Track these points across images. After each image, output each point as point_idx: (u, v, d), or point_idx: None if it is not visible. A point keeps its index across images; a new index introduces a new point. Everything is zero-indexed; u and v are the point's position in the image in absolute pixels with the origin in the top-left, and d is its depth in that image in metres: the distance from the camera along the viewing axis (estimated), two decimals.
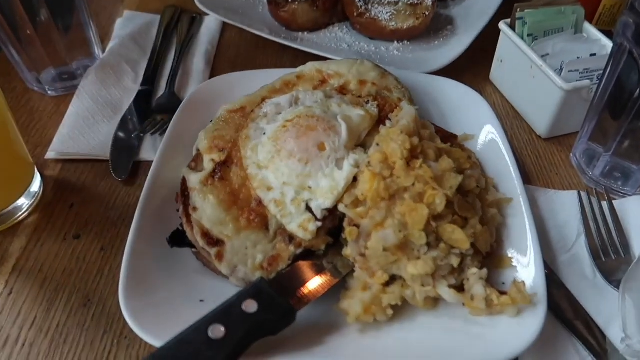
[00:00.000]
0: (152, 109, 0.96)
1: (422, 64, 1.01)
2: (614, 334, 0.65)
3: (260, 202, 0.69)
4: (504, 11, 0.95)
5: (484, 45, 1.08)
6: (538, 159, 0.89)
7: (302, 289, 0.63)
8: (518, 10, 0.91)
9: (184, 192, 0.71)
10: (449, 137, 0.84)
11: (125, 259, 0.66)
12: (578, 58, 0.86)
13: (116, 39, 1.10)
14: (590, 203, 0.78)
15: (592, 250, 0.74)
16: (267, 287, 0.60)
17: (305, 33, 1.12)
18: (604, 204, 0.78)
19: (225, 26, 1.18)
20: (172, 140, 0.82)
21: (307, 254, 0.67)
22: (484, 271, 0.64)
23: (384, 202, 0.65)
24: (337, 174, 0.69)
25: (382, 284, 0.65)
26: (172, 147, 0.81)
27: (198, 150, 0.77)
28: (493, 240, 0.70)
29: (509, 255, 0.69)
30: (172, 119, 0.84)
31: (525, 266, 0.67)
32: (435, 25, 1.12)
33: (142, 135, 0.91)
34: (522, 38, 0.91)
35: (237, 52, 1.12)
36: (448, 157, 0.70)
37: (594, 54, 0.87)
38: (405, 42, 1.09)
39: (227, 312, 0.57)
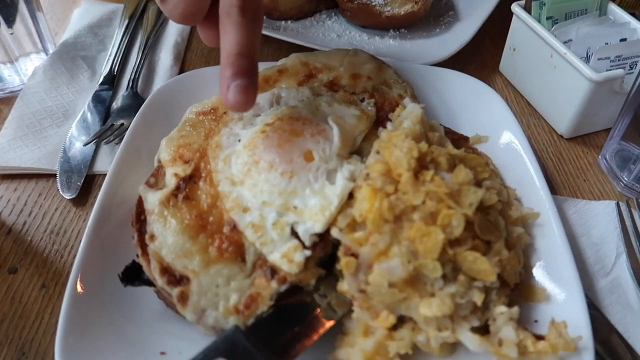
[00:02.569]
0: (110, 113, 0.82)
1: (423, 54, 0.88)
2: None
3: (234, 227, 0.56)
4: None
5: (492, 33, 0.96)
6: (561, 162, 0.77)
7: (288, 337, 0.51)
8: None
9: (140, 216, 0.57)
10: (459, 140, 0.71)
11: (65, 301, 0.53)
12: (606, 44, 0.74)
13: (71, 31, 0.96)
14: (631, 215, 0.66)
15: (636, 274, 0.61)
16: (242, 339, 0.47)
17: (289, 22, 0.98)
18: None
19: None
20: (130, 149, 0.68)
21: (294, 290, 0.54)
22: (515, 310, 0.51)
23: (388, 225, 0.52)
24: (329, 189, 0.56)
25: (388, 328, 0.52)
26: (131, 159, 0.67)
27: (159, 162, 0.64)
28: (521, 267, 0.57)
29: (542, 285, 0.57)
30: (131, 124, 0.71)
31: (561, 298, 0.55)
32: (436, 11, 0.99)
33: (97, 144, 0.77)
34: (540, 22, 0.78)
35: None
36: (464, 165, 0.57)
37: (624, 39, 0.75)
38: (402, 30, 0.96)
39: None
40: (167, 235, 0.55)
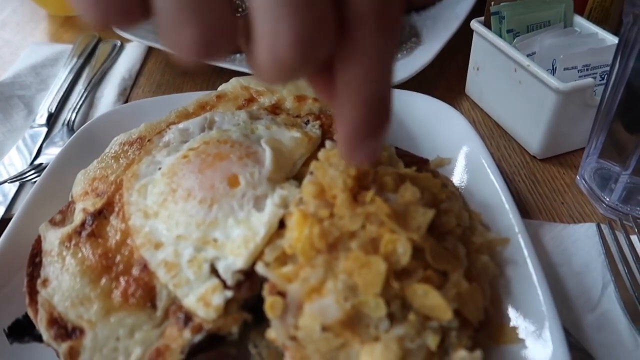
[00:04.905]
0: (40, 152, 0.75)
1: None
2: None
3: (145, 267, 0.47)
4: (479, 14, 0.78)
5: (458, 57, 0.91)
6: (535, 185, 0.69)
7: None
8: (492, 4, 0.73)
9: (34, 259, 0.49)
10: (418, 164, 0.63)
11: None
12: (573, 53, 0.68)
13: (11, 71, 0.91)
14: (615, 239, 0.57)
15: (627, 307, 0.52)
16: None
17: (244, 54, 0.93)
18: (634, 239, 0.57)
19: (150, 53, 0.99)
20: (46, 188, 0.61)
21: (214, 341, 0.45)
22: (477, 354, 0.42)
23: (321, 256, 0.44)
24: (256, 218, 0.48)
25: None
26: (45, 198, 0.60)
27: (71, 197, 0.56)
28: (488, 302, 0.48)
29: (513, 323, 0.47)
30: (51, 161, 0.63)
31: (537, 339, 0.45)
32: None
33: (18, 183, 0.69)
34: (501, 36, 0.73)
35: (161, 80, 0.92)
36: (413, 184, 0.49)
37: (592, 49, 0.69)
38: None
39: None
40: (63, 279, 0.46)
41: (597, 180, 0.65)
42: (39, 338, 0.46)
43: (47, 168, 0.62)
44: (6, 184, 0.69)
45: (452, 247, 0.49)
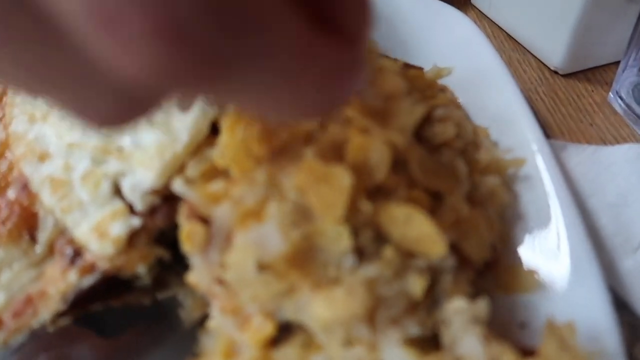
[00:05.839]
0: None
1: None
2: None
3: (25, 187, 0.34)
4: None
5: None
6: (557, 104, 0.55)
7: None
8: None
9: None
10: (408, 70, 0.50)
11: None
12: None
13: None
14: None
15: None
16: None
17: None
18: None
19: None
20: None
21: (115, 287, 0.33)
22: (481, 305, 0.29)
23: (263, 168, 0.30)
24: (177, 120, 0.35)
25: (263, 344, 0.30)
26: None
27: None
28: (495, 238, 0.35)
29: (530, 266, 0.35)
30: None
31: (564, 287, 0.33)
32: None
33: None
34: None
35: None
36: (399, 78, 0.36)
37: None
38: None
39: None
40: None
41: (638, 97, 0.52)
42: None
43: None
44: None
45: (449, 162, 0.35)
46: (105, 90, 0.17)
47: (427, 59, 0.52)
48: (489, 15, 0.68)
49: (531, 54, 0.61)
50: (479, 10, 0.69)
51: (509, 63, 0.61)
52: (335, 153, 0.30)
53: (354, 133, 0.30)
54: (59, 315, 0.30)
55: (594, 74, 0.58)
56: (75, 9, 0.14)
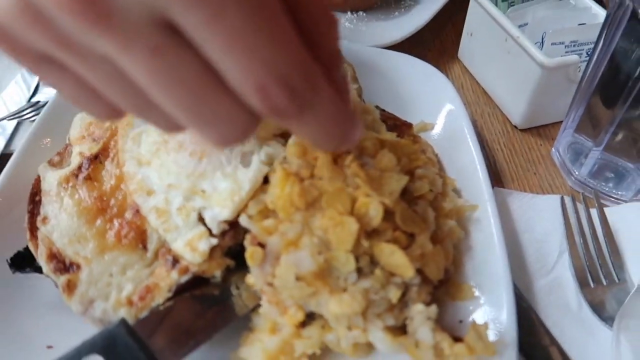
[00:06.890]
0: (38, 88, 0.77)
1: (376, 37, 0.83)
2: None
3: (137, 212, 0.51)
4: None
5: (454, 19, 0.91)
6: (513, 154, 0.72)
7: (182, 331, 0.46)
8: None
9: (34, 197, 0.52)
10: (402, 127, 0.66)
11: None
12: (562, 28, 0.69)
13: None
14: (576, 211, 0.61)
15: (577, 273, 0.57)
16: (124, 333, 0.42)
17: None
18: (593, 212, 0.61)
19: None
20: (45, 127, 0.63)
21: (198, 282, 0.50)
22: (433, 309, 0.47)
23: (300, 213, 0.47)
24: (242, 173, 0.51)
25: (295, 325, 0.47)
26: (44, 137, 0.63)
27: (68, 140, 0.59)
28: (449, 263, 0.53)
29: (470, 283, 0.52)
30: (49, 101, 0.66)
31: (492, 298, 0.50)
32: None
33: (18, 120, 0.72)
34: (496, 5, 0.74)
35: None
36: (391, 151, 0.52)
37: (583, 24, 0.70)
38: (361, 13, 0.91)
39: None
40: (61, 218, 0.50)
41: (571, 153, 0.69)
42: (39, 269, 0.50)
43: (45, 108, 0.65)
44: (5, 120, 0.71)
45: (422, 211, 0.52)
46: (237, 120, 0.30)
47: (415, 113, 0.69)
48: (470, 70, 0.84)
49: (499, 109, 0.78)
50: (463, 65, 0.85)
51: (481, 115, 0.78)
52: (347, 208, 0.47)
53: (361, 194, 0.47)
54: (168, 299, 0.47)
55: (544, 130, 0.75)
56: (243, 84, 0.28)
